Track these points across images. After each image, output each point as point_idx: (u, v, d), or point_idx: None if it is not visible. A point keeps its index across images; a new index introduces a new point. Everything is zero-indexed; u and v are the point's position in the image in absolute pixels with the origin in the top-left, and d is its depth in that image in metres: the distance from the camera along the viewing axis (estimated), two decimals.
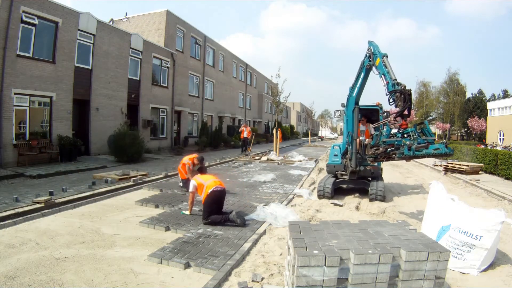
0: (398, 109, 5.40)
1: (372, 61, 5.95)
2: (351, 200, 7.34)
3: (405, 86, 5.27)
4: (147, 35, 18.07)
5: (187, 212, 5.62)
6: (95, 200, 6.61)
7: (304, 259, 2.45)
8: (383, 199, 7.07)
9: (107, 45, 14.14)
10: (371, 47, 6.06)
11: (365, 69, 6.32)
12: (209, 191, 5.14)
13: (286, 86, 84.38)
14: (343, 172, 7.63)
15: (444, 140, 5.42)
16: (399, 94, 5.23)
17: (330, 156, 8.22)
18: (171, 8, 39.32)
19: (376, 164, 7.41)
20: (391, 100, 5.42)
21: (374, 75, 5.99)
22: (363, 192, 7.78)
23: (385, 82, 5.53)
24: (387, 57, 5.76)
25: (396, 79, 5.39)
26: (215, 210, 5.18)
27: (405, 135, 5.53)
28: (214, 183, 5.26)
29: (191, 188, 5.44)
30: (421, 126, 5.73)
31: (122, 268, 3.61)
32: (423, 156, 5.37)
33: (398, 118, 5.51)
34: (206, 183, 5.25)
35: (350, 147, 6.96)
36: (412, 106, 5.66)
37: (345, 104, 7.09)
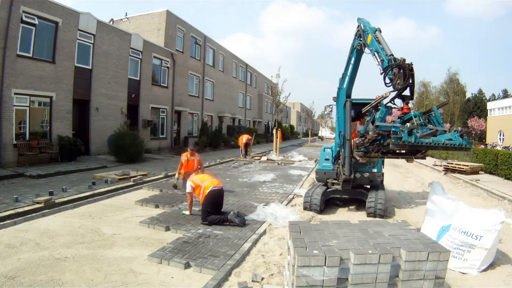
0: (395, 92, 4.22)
1: (363, 39, 4.93)
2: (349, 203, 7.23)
3: (404, 60, 4.20)
4: (147, 35, 18.06)
5: (187, 212, 5.63)
6: (95, 200, 6.61)
7: (304, 259, 2.45)
8: (383, 215, 5.71)
9: (107, 45, 14.14)
10: (361, 24, 5.08)
11: (356, 51, 5.25)
12: (207, 191, 5.13)
13: (286, 86, 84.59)
14: (334, 181, 6.34)
15: (459, 128, 4.32)
16: (397, 69, 4.16)
17: (320, 161, 6.88)
18: (171, 8, 39.37)
19: (375, 170, 6.35)
20: (387, 79, 4.34)
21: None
22: (360, 203, 6.52)
23: (379, 60, 4.52)
24: (380, 31, 4.76)
25: (392, 54, 4.37)
26: (214, 210, 5.18)
27: (407, 123, 4.32)
28: (212, 183, 5.25)
29: (188, 189, 5.45)
30: (429, 113, 4.44)
31: (122, 268, 3.61)
32: (429, 147, 4.09)
33: (397, 100, 4.37)
34: (203, 184, 5.25)
35: (343, 150, 5.67)
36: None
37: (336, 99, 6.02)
